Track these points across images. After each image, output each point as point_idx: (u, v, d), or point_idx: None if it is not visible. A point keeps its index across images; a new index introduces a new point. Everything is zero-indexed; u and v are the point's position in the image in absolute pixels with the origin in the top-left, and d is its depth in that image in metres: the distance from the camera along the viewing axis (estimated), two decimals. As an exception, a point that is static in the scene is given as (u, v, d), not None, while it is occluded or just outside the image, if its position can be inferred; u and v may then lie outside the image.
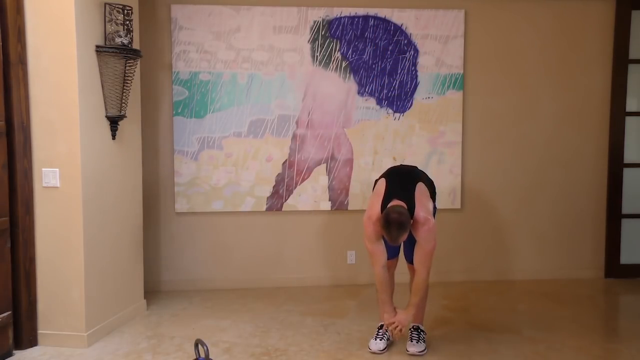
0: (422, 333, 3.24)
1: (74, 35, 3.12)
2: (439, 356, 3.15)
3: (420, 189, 3.03)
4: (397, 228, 2.80)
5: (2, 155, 3.08)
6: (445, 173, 4.46)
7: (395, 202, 2.91)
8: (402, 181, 3.07)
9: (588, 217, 4.65)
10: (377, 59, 4.36)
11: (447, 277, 4.52)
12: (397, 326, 3.07)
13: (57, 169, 3.20)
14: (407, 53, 4.38)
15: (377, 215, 2.94)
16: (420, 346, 3.17)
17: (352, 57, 4.35)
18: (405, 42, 4.38)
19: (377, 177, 3.23)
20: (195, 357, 2.58)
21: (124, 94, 3.44)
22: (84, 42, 3.20)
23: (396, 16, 4.34)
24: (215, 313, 3.86)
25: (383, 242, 3.05)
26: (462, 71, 4.43)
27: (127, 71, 3.41)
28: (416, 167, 3.33)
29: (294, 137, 4.35)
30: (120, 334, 3.45)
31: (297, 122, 4.35)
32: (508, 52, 4.50)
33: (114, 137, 3.48)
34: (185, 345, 3.28)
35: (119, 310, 3.59)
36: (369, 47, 4.35)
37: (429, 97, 4.41)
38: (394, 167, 3.37)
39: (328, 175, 4.40)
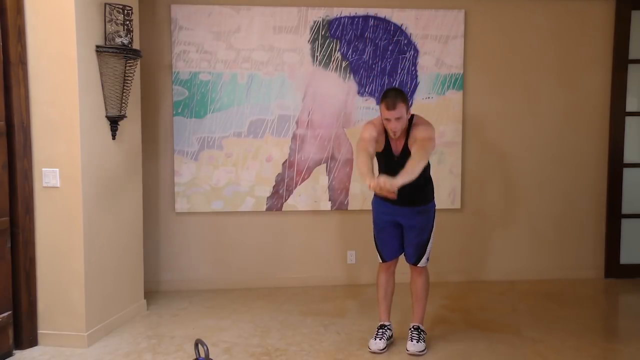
0: (422, 333, 3.24)
1: (74, 35, 3.12)
2: (439, 356, 3.15)
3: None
4: (395, 92, 3.00)
5: (2, 155, 3.08)
6: (445, 173, 4.46)
7: None
8: None
9: (588, 217, 4.65)
10: (377, 59, 4.36)
11: (447, 277, 4.52)
12: (377, 183, 2.80)
13: (57, 169, 3.20)
14: (407, 53, 4.38)
15: (378, 119, 3.11)
16: (420, 346, 3.17)
17: (352, 57, 4.35)
18: (405, 42, 4.38)
19: None
20: (195, 357, 2.58)
21: (124, 94, 3.45)
22: (84, 42, 3.20)
23: (396, 16, 4.34)
24: (216, 313, 3.86)
25: (375, 146, 3.08)
26: (462, 71, 4.42)
27: (127, 71, 3.41)
28: None
29: (294, 137, 4.35)
30: (120, 334, 3.46)
31: (297, 122, 4.35)
32: (508, 52, 4.50)
33: (114, 137, 3.48)
34: (185, 345, 3.29)
35: (119, 310, 3.59)
36: (369, 47, 4.35)
37: (428, 97, 4.41)
38: None
39: (328, 175, 4.40)
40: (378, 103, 4.36)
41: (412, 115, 3.13)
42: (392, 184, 2.79)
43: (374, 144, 3.08)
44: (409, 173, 2.87)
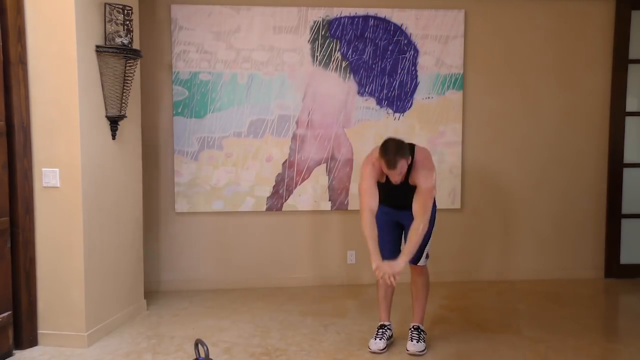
0: (422, 333, 3.24)
1: (74, 35, 3.12)
2: (439, 356, 3.15)
3: (420, 147, 3.15)
4: (395, 149, 2.88)
5: (2, 155, 3.08)
6: (445, 173, 4.46)
7: None
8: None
9: (588, 217, 4.65)
10: (377, 59, 4.36)
11: (447, 277, 4.51)
12: (383, 272, 2.97)
13: (57, 169, 3.20)
14: (407, 53, 4.38)
15: (377, 155, 2.99)
16: (420, 346, 3.17)
17: (352, 57, 4.35)
18: (405, 42, 4.38)
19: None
20: (195, 357, 2.58)
21: (124, 94, 3.44)
22: (84, 42, 3.20)
23: (396, 16, 4.35)
24: (216, 313, 3.86)
25: (377, 191, 3.07)
26: (462, 71, 4.43)
27: (127, 71, 3.41)
28: None
29: (294, 137, 4.35)
30: (120, 334, 3.46)
31: (297, 122, 4.35)
32: (508, 52, 4.50)
33: (114, 137, 3.48)
34: (185, 345, 3.28)
35: (119, 310, 3.59)
36: (369, 47, 4.35)
37: (429, 97, 4.41)
38: None
39: (328, 175, 4.40)
40: (378, 103, 4.38)
41: (413, 147, 3.05)
42: (396, 271, 2.96)
43: (376, 192, 3.07)
44: (412, 248, 2.99)
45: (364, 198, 3.06)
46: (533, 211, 4.61)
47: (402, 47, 4.37)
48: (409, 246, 3.01)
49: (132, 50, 3.41)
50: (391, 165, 2.88)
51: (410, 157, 2.97)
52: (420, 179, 3.00)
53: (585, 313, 3.85)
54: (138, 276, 3.82)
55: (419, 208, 2.99)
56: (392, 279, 2.97)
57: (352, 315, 3.80)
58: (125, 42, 3.38)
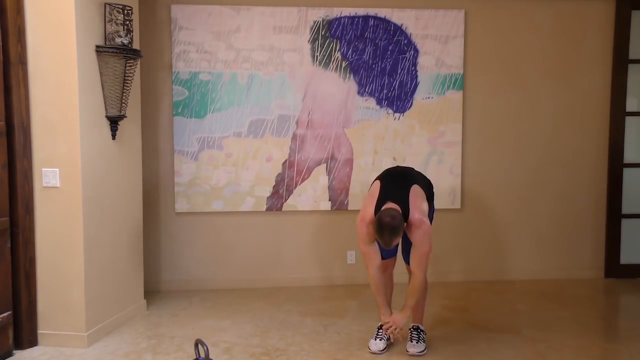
0: (422, 333, 3.24)
1: (74, 35, 3.12)
2: (439, 356, 3.15)
3: (415, 191, 3.00)
4: (390, 232, 2.79)
5: (2, 155, 3.08)
6: (445, 173, 4.46)
7: (388, 205, 2.88)
8: (397, 183, 3.04)
9: (588, 217, 4.65)
10: (377, 59, 4.36)
11: (446, 277, 4.52)
12: (393, 327, 3.09)
13: (57, 169, 3.20)
14: (407, 53, 4.38)
15: (370, 217, 2.94)
16: (420, 346, 3.17)
17: (352, 57, 4.35)
18: (405, 42, 4.38)
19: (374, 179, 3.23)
20: (195, 357, 2.58)
21: (124, 94, 3.45)
22: (84, 42, 3.20)
23: (396, 16, 4.35)
24: (215, 313, 3.86)
25: (377, 243, 3.04)
26: (462, 71, 4.43)
27: (127, 71, 3.41)
28: (413, 168, 3.29)
29: (294, 137, 4.35)
30: (120, 334, 3.46)
31: (297, 122, 4.35)
32: (508, 52, 4.50)
33: (114, 137, 3.48)
34: (185, 345, 3.29)
35: (119, 310, 3.59)
36: (369, 47, 4.35)
37: (429, 97, 4.42)
38: (390, 168, 3.33)
39: (328, 175, 4.40)
40: (378, 103, 4.38)
41: (409, 191, 2.97)
42: (399, 325, 3.09)
43: (376, 249, 3.06)
44: (413, 304, 3.08)
45: (367, 259, 3.09)
46: (533, 211, 4.61)
47: (402, 47, 4.37)
48: (409, 302, 3.06)
49: (132, 50, 3.41)
50: (387, 246, 2.86)
51: (405, 224, 2.90)
52: (417, 243, 2.96)
53: (585, 313, 3.85)
54: (138, 276, 3.82)
55: (415, 267, 3.01)
56: (399, 335, 3.12)
57: (352, 316, 3.80)
58: (125, 42, 3.38)
